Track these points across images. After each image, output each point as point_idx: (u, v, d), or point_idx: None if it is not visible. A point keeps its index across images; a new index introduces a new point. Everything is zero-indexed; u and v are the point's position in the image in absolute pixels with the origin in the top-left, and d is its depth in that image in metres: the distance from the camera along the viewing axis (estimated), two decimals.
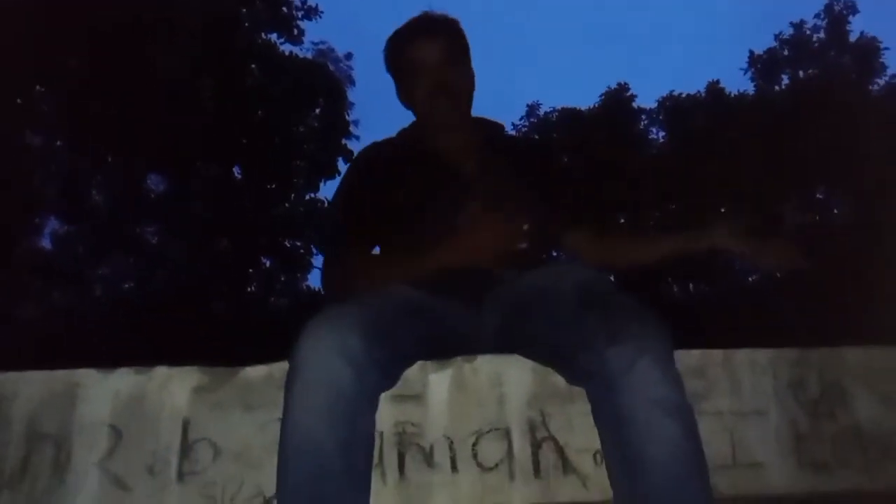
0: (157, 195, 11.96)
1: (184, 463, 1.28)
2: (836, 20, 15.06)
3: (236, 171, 12.32)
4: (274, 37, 12.06)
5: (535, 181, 1.60)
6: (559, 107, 16.60)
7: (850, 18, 15.00)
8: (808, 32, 15.33)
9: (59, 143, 10.91)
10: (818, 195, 14.90)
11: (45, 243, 11.35)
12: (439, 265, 1.38)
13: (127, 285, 12.04)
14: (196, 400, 1.32)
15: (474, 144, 1.63)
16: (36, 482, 1.27)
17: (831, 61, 15.06)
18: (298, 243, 12.31)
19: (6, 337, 8.11)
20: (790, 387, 1.42)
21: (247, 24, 11.78)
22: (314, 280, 12.47)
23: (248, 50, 11.62)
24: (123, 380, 1.34)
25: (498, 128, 1.77)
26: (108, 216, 11.30)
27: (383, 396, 1.14)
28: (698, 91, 15.87)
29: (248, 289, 12.65)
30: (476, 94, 1.67)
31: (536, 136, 15.37)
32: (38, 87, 10.28)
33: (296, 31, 12.09)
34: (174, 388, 1.33)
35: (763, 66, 15.47)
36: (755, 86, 15.57)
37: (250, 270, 12.50)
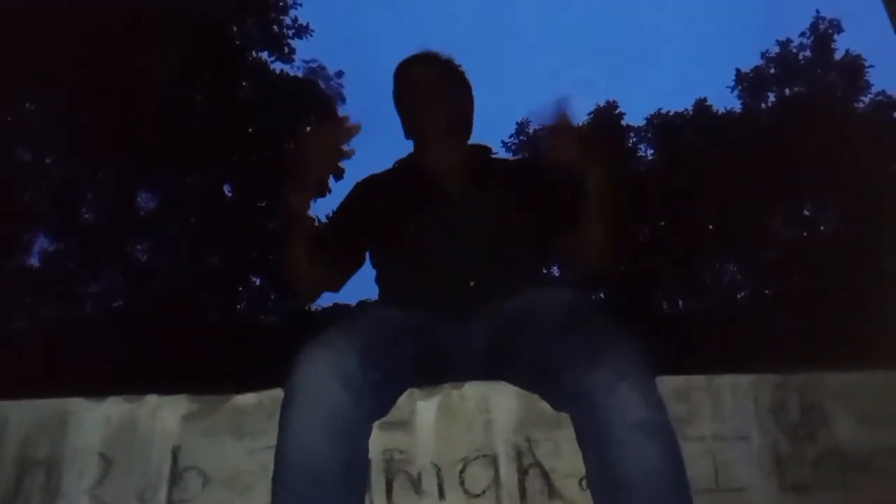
0: (148, 212, 11.93)
1: (173, 491, 1.29)
2: (821, 38, 15.27)
3: (227, 188, 12.31)
4: (265, 55, 12.13)
5: (526, 197, 1.62)
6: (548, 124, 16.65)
7: (836, 37, 15.24)
8: (794, 50, 15.54)
9: (48, 160, 10.88)
10: (805, 211, 15.02)
11: (34, 260, 11.29)
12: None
13: (116, 303, 11.96)
14: (186, 427, 1.33)
15: (467, 167, 1.66)
16: None
17: (817, 79, 15.24)
18: None
19: None
20: (771, 410, 1.44)
21: (238, 43, 11.82)
22: None
23: (239, 67, 11.66)
24: (114, 407, 1.35)
25: (486, 150, 1.80)
26: (98, 232, 11.25)
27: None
28: (686, 109, 16.05)
29: (238, 306, 12.60)
30: None
31: (526, 155, 15.43)
32: (27, 105, 10.28)
33: (286, 50, 12.17)
34: (164, 415, 1.34)
35: (750, 83, 15.66)
36: (742, 103, 15.76)
37: (240, 288, 12.46)
